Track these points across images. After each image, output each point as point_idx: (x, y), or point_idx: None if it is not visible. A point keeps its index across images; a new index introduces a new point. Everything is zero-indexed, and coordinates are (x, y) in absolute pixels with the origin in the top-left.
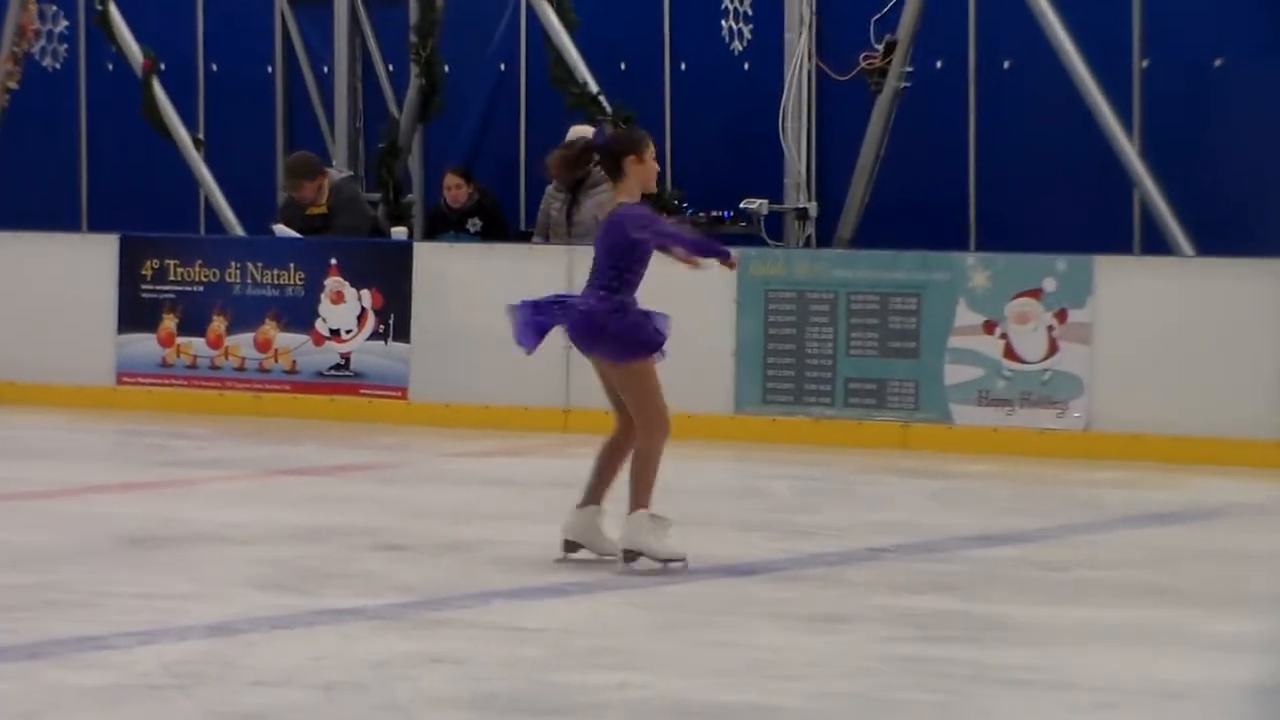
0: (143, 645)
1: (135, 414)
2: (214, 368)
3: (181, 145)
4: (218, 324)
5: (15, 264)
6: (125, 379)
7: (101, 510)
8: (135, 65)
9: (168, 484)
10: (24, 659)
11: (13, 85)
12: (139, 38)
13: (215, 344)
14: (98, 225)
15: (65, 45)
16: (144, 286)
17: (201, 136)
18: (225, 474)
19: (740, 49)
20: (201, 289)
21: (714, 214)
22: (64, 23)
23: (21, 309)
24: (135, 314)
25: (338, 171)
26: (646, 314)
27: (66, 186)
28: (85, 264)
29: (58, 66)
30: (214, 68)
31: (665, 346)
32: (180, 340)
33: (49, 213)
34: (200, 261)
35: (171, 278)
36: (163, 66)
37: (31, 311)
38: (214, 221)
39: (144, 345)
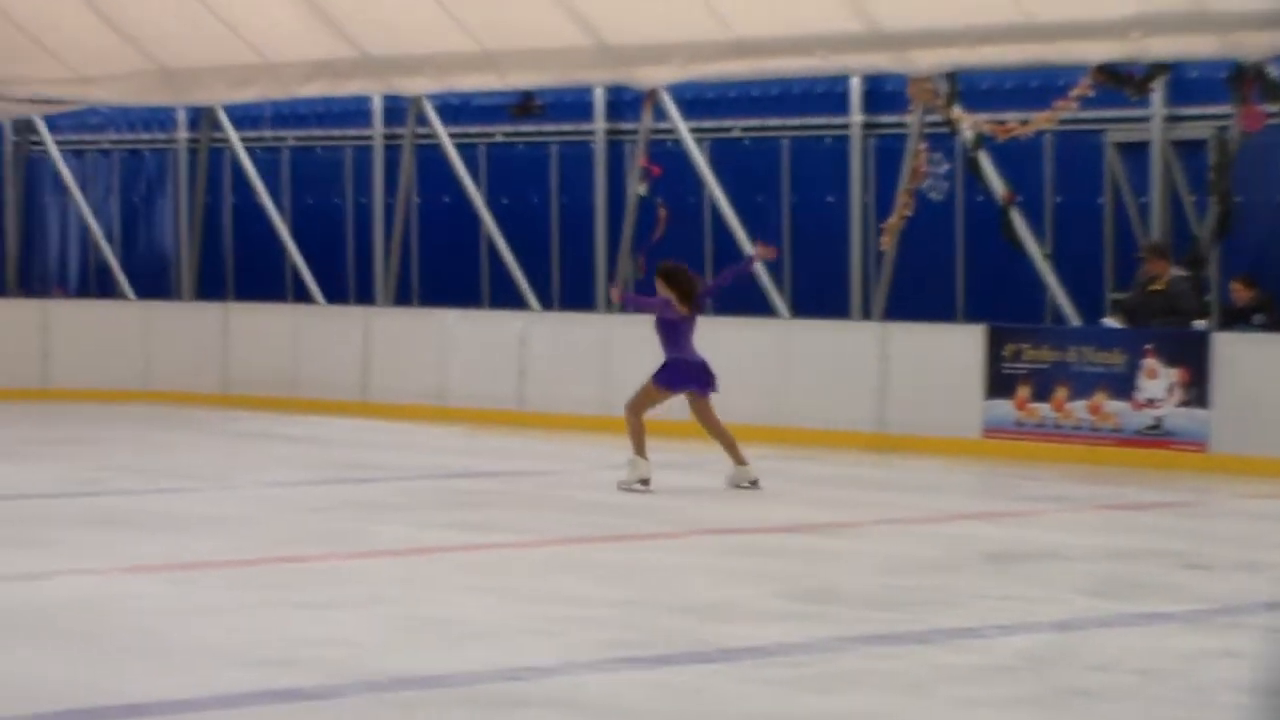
0: (1003, 636)
1: (996, 460)
2: (1057, 426)
3: (1035, 259)
4: (1060, 393)
5: (915, 348)
6: (989, 434)
7: (969, 532)
8: (998, 197)
9: (1020, 513)
10: (914, 643)
11: (907, 214)
12: (1002, 175)
13: (1058, 408)
14: (968, 317)
15: (947, 182)
16: (1004, 364)
17: (1049, 252)
18: (1064, 507)
19: None
20: (1048, 366)
21: None
22: (945, 165)
23: (904, 379)
24: (998, 384)
25: (1176, 270)
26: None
27: (942, 284)
28: (960, 346)
29: (940, 199)
30: (1058, 199)
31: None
32: (1031, 405)
33: (930, 304)
34: (1047, 345)
35: (1025, 358)
36: (1019, 198)
37: (911, 379)
38: (1058, 314)
39: (1004, 409)
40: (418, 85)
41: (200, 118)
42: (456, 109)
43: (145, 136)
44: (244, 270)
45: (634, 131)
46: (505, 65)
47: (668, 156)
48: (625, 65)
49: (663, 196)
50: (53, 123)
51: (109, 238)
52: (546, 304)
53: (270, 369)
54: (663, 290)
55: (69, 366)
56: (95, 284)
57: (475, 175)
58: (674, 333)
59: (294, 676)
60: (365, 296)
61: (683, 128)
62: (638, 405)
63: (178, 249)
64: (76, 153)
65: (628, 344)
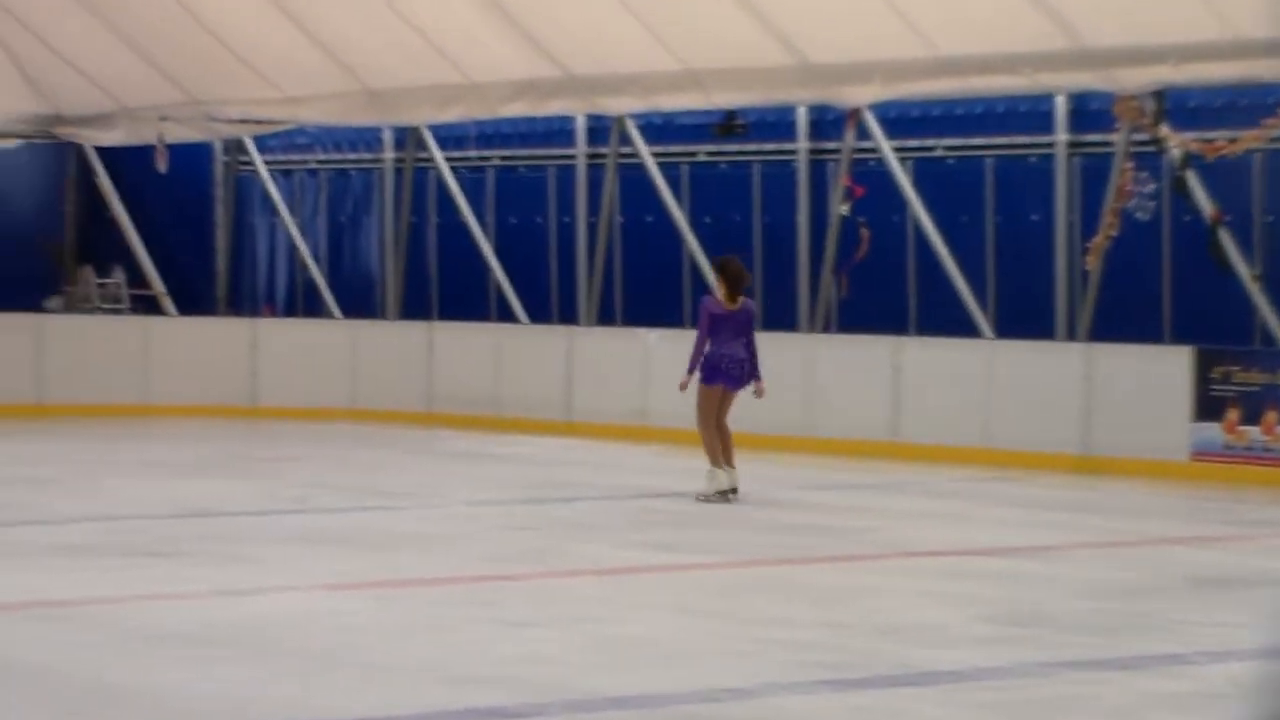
0: (1213, 662)
1: (1203, 484)
2: (1266, 450)
3: (1244, 279)
4: (1270, 417)
5: (1121, 370)
6: (1197, 457)
7: (1175, 557)
8: (1206, 217)
9: (1228, 538)
10: (1121, 669)
11: (1113, 234)
12: (1209, 194)
13: (1268, 432)
14: (1175, 339)
15: (1153, 202)
16: (1213, 387)
17: (1258, 272)
18: (1274, 532)
19: None
20: (1258, 389)
21: None
22: (1152, 184)
23: (1110, 400)
24: (1205, 407)
25: None
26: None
27: (1149, 305)
28: (1167, 368)
29: (1146, 219)
30: (1268, 219)
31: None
32: (1240, 428)
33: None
34: (1257, 368)
35: (1234, 380)
36: (1228, 218)
37: (1117, 401)
38: (1268, 335)
39: (1212, 432)
40: (622, 105)
41: (406, 138)
42: (659, 128)
43: (352, 156)
44: (448, 289)
45: (837, 151)
46: (709, 84)
47: (870, 176)
48: (829, 84)
49: (865, 216)
50: (261, 143)
51: (316, 257)
52: None
53: (473, 388)
54: (718, 286)
55: (277, 385)
56: (302, 303)
57: (678, 194)
58: (716, 327)
59: (496, 695)
60: (568, 315)
61: (886, 147)
62: (702, 416)
63: (383, 268)
64: (284, 173)
65: (830, 364)
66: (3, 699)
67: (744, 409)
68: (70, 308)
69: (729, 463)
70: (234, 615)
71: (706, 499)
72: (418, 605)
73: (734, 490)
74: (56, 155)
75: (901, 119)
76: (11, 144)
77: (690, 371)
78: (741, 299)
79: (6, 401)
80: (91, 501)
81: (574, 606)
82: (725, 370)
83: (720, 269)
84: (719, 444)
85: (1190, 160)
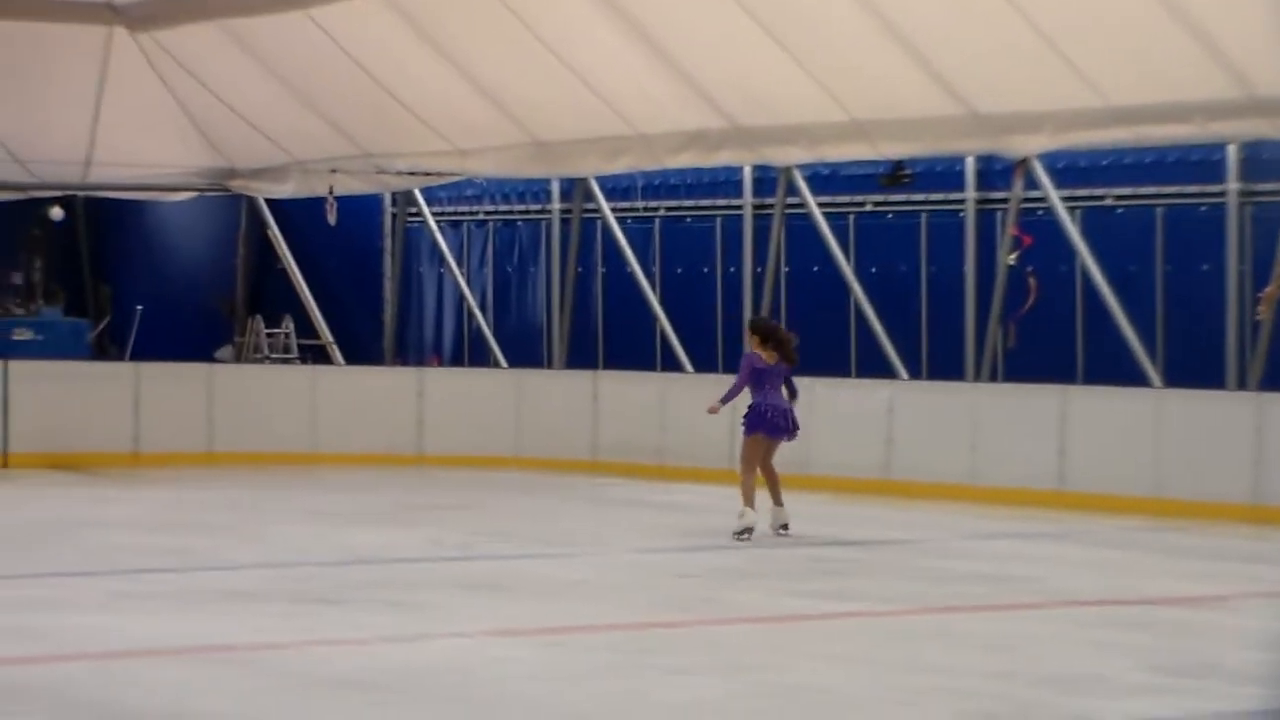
0: None
1: None
2: None
3: None
4: None
5: None
6: None
7: None
8: None
9: None
10: None
11: None
12: None
13: None
14: None
15: None
16: None
17: None
18: None
19: None
20: None
21: None
22: None
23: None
24: None
25: None
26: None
27: None
28: None
29: None
30: None
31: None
32: None
33: None
34: None
35: None
36: None
37: None
38: None
39: None
40: (788, 155)
41: (573, 188)
42: (825, 178)
43: (519, 207)
44: (614, 338)
45: (1005, 200)
46: (876, 135)
47: (1039, 225)
48: (997, 134)
49: (1033, 265)
50: (430, 195)
51: (482, 307)
52: (915, 373)
53: (638, 436)
54: (752, 345)
55: (442, 433)
56: (469, 352)
57: (844, 244)
58: (759, 379)
59: None
60: (732, 365)
61: (1054, 196)
62: (744, 461)
63: (549, 317)
64: (453, 223)
65: (996, 414)
66: None
67: (909, 458)
68: (240, 357)
69: (777, 501)
70: (400, 661)
71: (737, 536)
72: (581, 652)
73: (784, 526)
74: (229, 208)
75: (1070, 168)
76: (186, 197)
77: (723, 401)
78: (774, 353)
79: (179, 449)
80: (260, 548)
81: (737, 654)
82: (770, 420)
83: (752, 329)
84: (753, 487)
85: None
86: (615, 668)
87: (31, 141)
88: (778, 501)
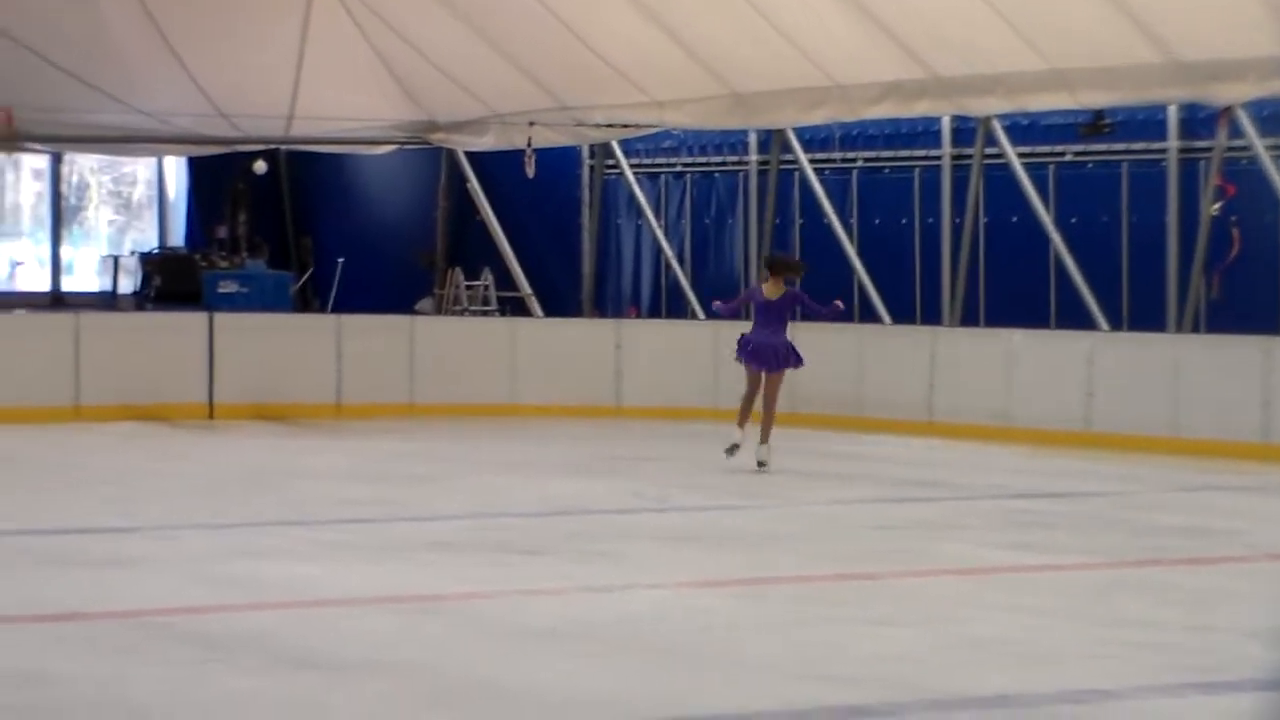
0: None
1: None
2: None
3: None
4: None
5: None
6: None
7: None
8: None
9: None
10: None
11: None
12: None
13: None
14: None
15: None
16: None
17: None
18: None
19: None
20: None
21: None
22: None
23: None
24: None
25: None
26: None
27: None
28: None
29: None
30: None
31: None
32: None
33: None
34: None
35: None
36: None
37: None
38: None
39: None
40: (987, 105)
41: (770, 140)
42: (1025, 128)
43: (716, 160)
44: (811, 290)
45: (1208, 149)
46: (1076, 84)
47: (1242, 175)
48: (1199, 83)
49: (1237, 215)
50: (628, 147)
51: (680, 258)
52: (1115, 324)
53: (836, 388)
54: (761, 279)
55: (640, 385)
56: (666, 304)
57: (1044, 195)
58: (758, 313)
59: (858, 693)
60: (931, 316)
61: (1259, 145)
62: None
63: (746, 269)
64: (650, 176)
65: (1198, 366)
66: (379, 691)
67: (1110, 411)
68: (440, 309)
69: (762, 439)
70: (600, 612)
71: (725, 452)
72: (780, 603)
73: (761, 463)
74: (429, 160)
75: (1275, 116)
76: (387, 150)
77: (721, 306)
78: (784, 288)
79: (381, 400)
80: (461, 499)
81: (936, 606)
82: (750, 351)
83: (765, 264)
84: (744, 412)
85: None
86: (814, 619)
87: (236, 96)
88: (762, 439)
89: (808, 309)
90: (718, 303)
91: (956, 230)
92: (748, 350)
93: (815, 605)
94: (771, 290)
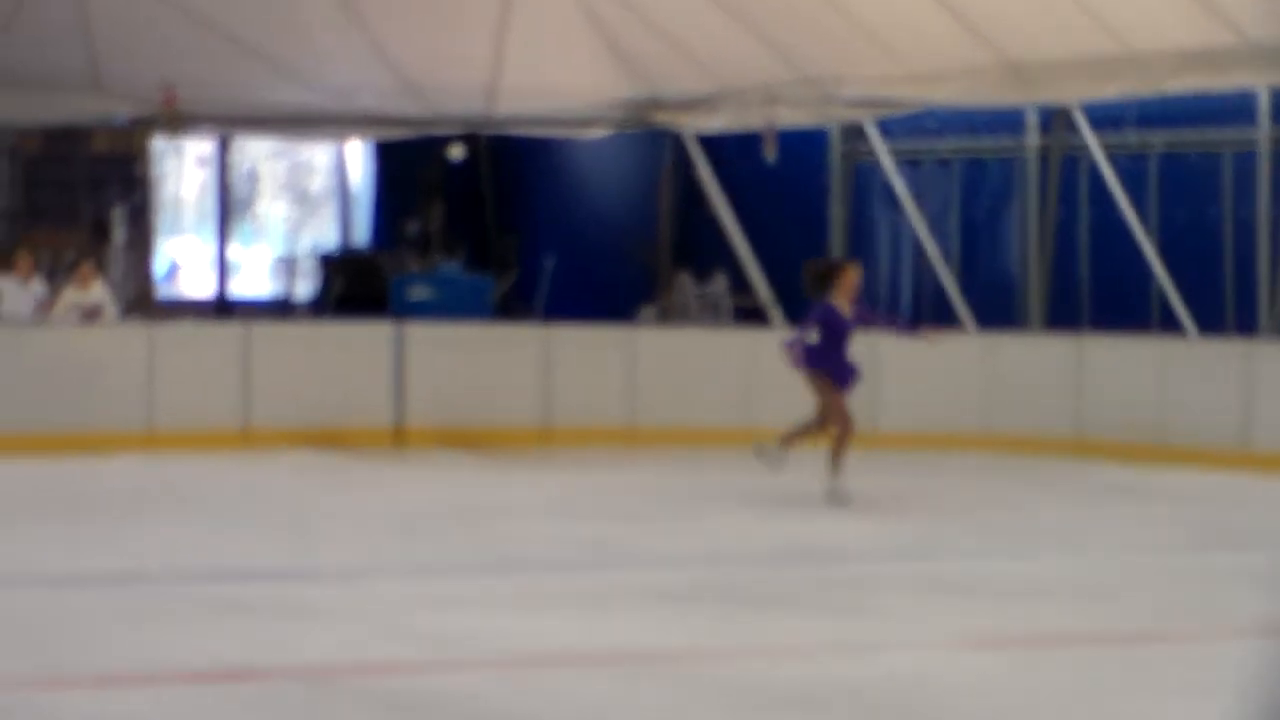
0: None
1: None
2: None
3: None
4: None
5: None
6: None
7: None
8: None
9: None
10: None
11: None
12: None
13: None
14: None
15: None
16: None
17: None
18: None
19: None
20: None
21: None
22: None
23: None
24: None
25: None
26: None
27: None
28: None
29: None
30: None
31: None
32: None
33: None
34: None
35: None
36: None
37: None
38: None
39: None
40: None
41: (1053, 119)
42: None
43: (989, 142)
44: (1102, 296)
45: None
46: None
47: None
48: None
49: None
50: (885, 127)
51: (946, 258)
52: None
53: (1133, 411)
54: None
55: (900, 407)
56: (930, 311)
57: None
58: (841, 335)
59: None
60: (1247, 326)
61: None
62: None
63: (1025, 271)
64: (911, 161)
65: None
66: None
67: None
68: (665, 318)
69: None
70: (851, 675)
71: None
72: (1065, 667)
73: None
74: (651, 145)
75: None
76: (602, 133)
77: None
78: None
79: (597, 424)
80: (689, 540)
81: (1230, 674)
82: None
83: (822, 276)
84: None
85: None
86: (1108, 685)
87: (430, 70)
88: (838, 470)
89: (866, 317)
90: (792, 338)
91: (1276, 224)
92: (849, 376)
93: (1106, 670)
94: (845, 305)
